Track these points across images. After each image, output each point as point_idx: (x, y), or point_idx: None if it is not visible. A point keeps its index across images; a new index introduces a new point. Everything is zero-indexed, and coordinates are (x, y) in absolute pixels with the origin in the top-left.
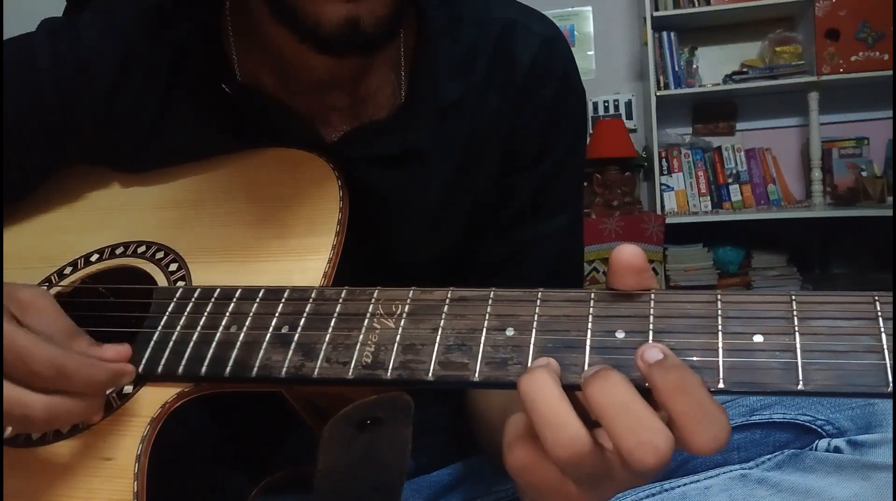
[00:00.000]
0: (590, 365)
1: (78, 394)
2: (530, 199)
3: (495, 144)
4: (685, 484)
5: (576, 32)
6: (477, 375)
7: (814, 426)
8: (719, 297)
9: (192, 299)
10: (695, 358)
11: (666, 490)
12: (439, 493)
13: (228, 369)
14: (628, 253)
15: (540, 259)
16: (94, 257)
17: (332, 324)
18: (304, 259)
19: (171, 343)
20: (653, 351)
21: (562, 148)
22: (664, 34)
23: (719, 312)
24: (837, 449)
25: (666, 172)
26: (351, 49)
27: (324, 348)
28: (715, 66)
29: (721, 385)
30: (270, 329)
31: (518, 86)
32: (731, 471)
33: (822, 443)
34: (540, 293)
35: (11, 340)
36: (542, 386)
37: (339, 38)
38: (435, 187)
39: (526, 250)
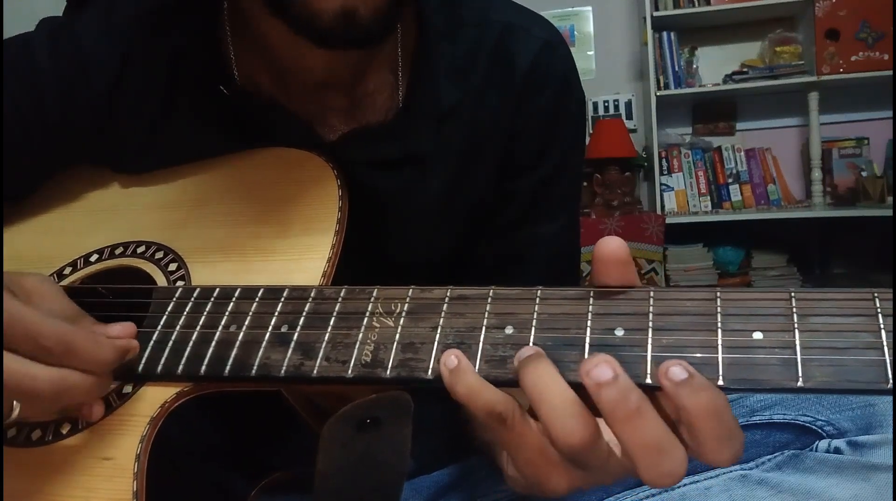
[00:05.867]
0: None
1: (85, 371)
2: (528, 202)
3: (494, 147)
4: (685, 485)
5: (576, 32)
6: (477, 373)
7: (814, 427)
8: (718, 294)
9: (192, 299)
10: (694, 355)
11: (666, 491)
12: (439, 493)
13: (228, 368)
14: (613, 245)
15: (537, 260)
16: (94, 258)
17: (331, 323)
18: (303, 259)
19: (170, 343)
20: (676, 368)
21: (561, 152)
22: (664, 34)
23: (719, 309)
24: (838, 450)
25: (666, 172)
26: (347, 42)
27: (323, 347)
28: (715, 66)
29: (721, 382)
30: (270, 328)
31: (517, 90)
32: (731, 472)
33: (823, 444)
34: (539, 291)
35: (20, 315)
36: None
37: (336, 30)
38: (434, 190)
39: (524, 251)
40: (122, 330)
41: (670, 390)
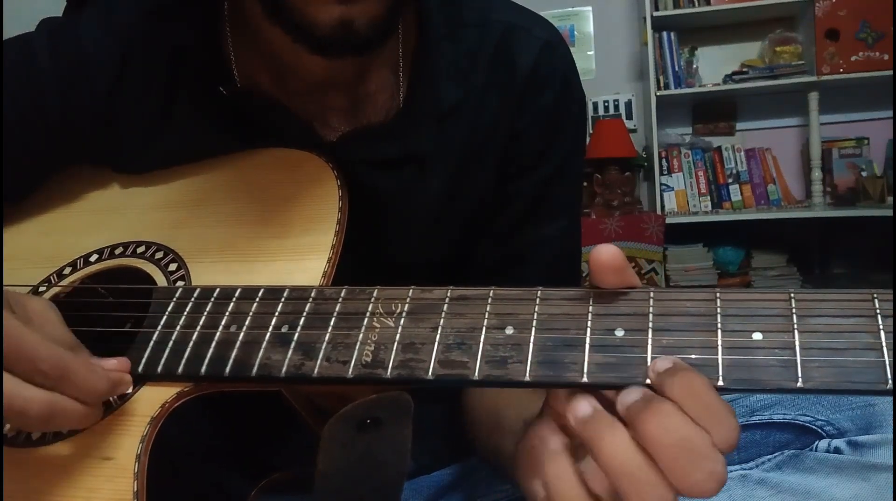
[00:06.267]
0: (590, 364)
1: (77, 398)
2: (529, 202)
3: (494, 148)
4: None
5: (576, 32)
6: (477, 373)
7: (814, 427)
8: (718, 295)
9: (192, 299)
10: (694, 356)
11: None
12: (439, 493)
13: (228, 368)
14: (606, 253)
15: (538, 262)
16: (94, 258)
17: (331, 323)
18: (303, 259)
19: (170, 343)
20: (663, 362)
21: (561, 153)
22: (664, 34)
23: (718, 309)
24: (837, 450)
25: (666, 172)
26: (345, 50)
27: (323, 347)
28: (715, 66)
29: (720, 383)
30: (270, 329)
31: (518, 90)
32: (730, 472)
33: (822, 444)
34: (539, 292)
35: (19, 336)
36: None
37: (333, 40)
38: (434, 191)
39: (524, 252)
40: (118, 363)
41: (654, 380)
